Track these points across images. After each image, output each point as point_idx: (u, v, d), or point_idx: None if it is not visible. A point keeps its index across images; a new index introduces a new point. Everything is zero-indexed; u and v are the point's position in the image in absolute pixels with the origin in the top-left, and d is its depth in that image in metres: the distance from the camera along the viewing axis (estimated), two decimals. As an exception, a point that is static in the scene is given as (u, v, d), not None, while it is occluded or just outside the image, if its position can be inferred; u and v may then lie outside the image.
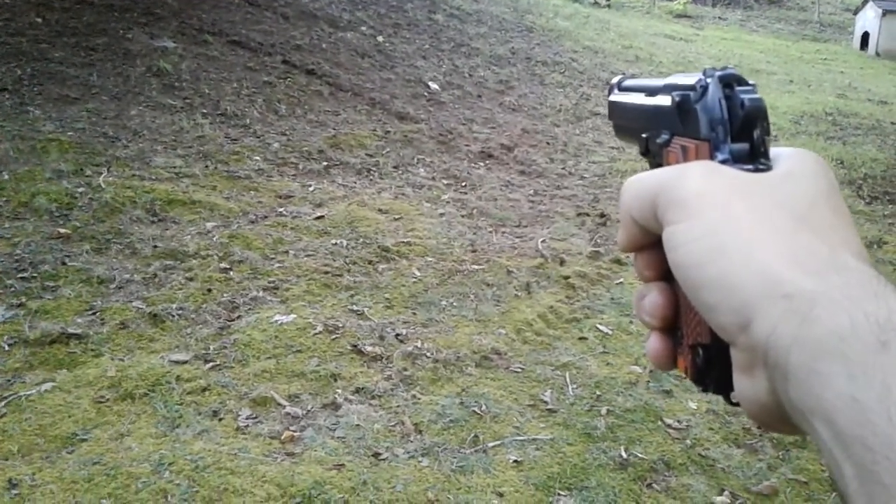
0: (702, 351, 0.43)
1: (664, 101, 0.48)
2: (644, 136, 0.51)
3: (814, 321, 0.33)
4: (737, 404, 0.40)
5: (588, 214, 5.59)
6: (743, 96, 0.44)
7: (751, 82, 0.45)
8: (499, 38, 11.63)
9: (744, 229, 0.38)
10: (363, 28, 10.08)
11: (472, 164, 6.62)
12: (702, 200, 0.40)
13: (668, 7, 21.62)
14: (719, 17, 22.22)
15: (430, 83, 8.83)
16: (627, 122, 0.57)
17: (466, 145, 7.08)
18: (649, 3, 21.85)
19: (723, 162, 0.43)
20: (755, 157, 0.43)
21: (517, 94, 9.34)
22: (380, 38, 9.89)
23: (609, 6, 20.36)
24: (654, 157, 0.50)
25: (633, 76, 0.59)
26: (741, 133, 0.44)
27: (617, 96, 0.59)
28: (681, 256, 0.40)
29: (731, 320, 0.37)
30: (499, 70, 10.15)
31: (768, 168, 0.43)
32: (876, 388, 0.31)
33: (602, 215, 5.56)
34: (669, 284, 0.46)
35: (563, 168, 6.88)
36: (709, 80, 0.45)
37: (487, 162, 6.76)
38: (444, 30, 11.29)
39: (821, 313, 0.33)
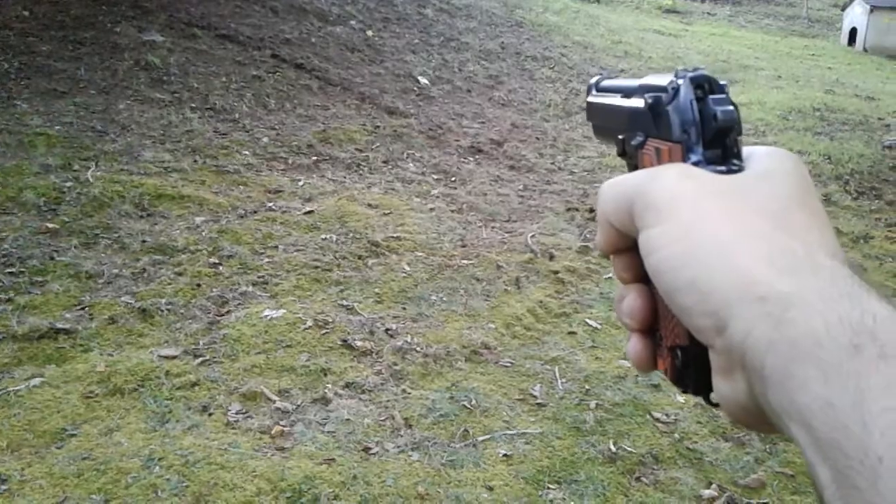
0: (680, 353, 0.43)
1: (638, 102, 0.48)
2: (620, 137, 0.51)
3: (788, 323, 0.33)
4: (716, 405, 0.41)
5: (577, 209, 5.61)
6: (716, 108, 0.43)
7: (722, 82, 0.45)
8: (488, 33, 11.62)
9: (717, 231, 0.38)
10: (352, 22, 10.05)
11: (462, 159, 6.62)
12: (675, 204, 0.40)
13: (657, 2, 21.65)
14: (708, 13, 22.28)
15: (419, 78, 8.83)
16: (605, 123, 0.57)
17: (456, 140, 7.08)
18: (638, -1, 21.88)
19: (696, 164, 0.43)
20: (728, 158, 0.43)
21: (507, 89, 9.34)
22: (369, 33, 9.86)
23: (599, 1, 20.37)
24: (631, 158, 0.50)
25: (610, 76, 0.60)
26: (714, 137, 0.44)
27: (595, 97, 0.59)
28: (656, 261, 0.40)
29: (708, 323, 0.37)
30: (488, 65, 10.15)
31: (741, 169, 0.43)
32: (850, 393, 0.31)
33: (591, 210, 5.58)
34: (648, 286, 0.46)
35: (552, 163, 6.90)
36: (680, 82, 0.45)
37: (477, 157, 6.76)
38: (434, 24, 11.28)
39: (795, 315, 0.33)
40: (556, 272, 4.41)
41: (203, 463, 2.53)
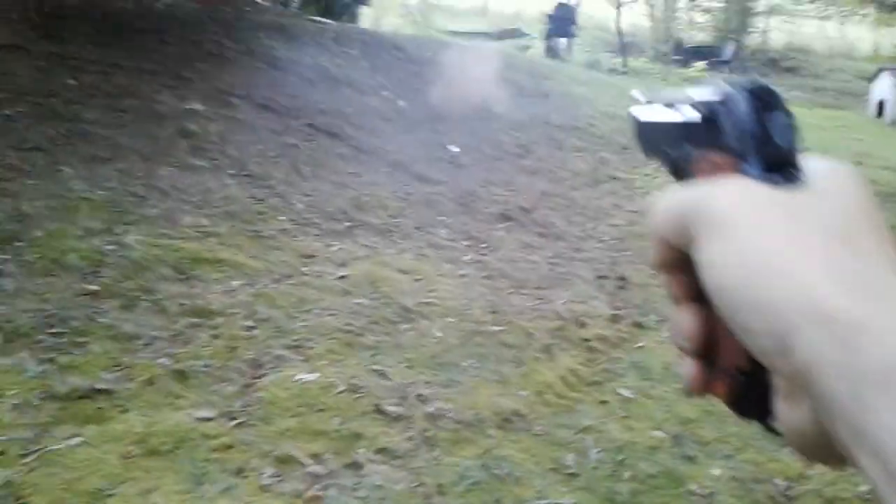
0: (740, 376, 0.42)
1: (691, 114, 0.47)
2: (671, 152, 0.50)
3: (859, 349, 0.32)
4: (778, 432, 0.39)
5: (607, 277, 5.63)
6: (777, 125, 0.42)
7: (777, 92, 0.43)
8: (517, 104, 11.83)
9: (782, 249, 0.36)
10: (385, 93, 10.30)
11: (492, 226, 6.69)
12: (735, 219, 0.38)
13: (683, 74, 21.94)
14: (734, 84, 22.51)
15: (449, 146, 8.99)
16: (653, 138, 0.55)
17: (486, 207, 7.17)
18: (665, 70, 22.19)
19: (754, 177, 0.41)
20: (788, 172, 0.42)
21: (535, 158, 9.47)
22: (401, 103, 10.10)
23: (626, 73, 20.70)
24: (683, 173, 0.49)
25: (655, 92, 0.58)
26: (772, 148, 0.42)
27: (641, 113, 0.58)
28: (716, 278, 0.38)
29: (772, 345, 0.35)
30: (517, 134, 10.31)
31: (802, 184, 0.41)
32: None
33: (621, 278, 5.60)
34: (703, 306, 0.44)
35: (581, 231, 6.94)
36: (737, 93, 0.43)
37: (507, 224, 6.83)
38: (464, 95, 11.51)
39: (866, 341, 0.32)
40: (587, 340, 4.42)
41: (237, 526, 2.54)
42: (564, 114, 12.16)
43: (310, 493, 2.79)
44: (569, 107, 12.74)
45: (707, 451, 3.35)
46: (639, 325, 4.73)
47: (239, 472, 2.86)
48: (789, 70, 25.79)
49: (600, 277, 5.63)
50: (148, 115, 7.09)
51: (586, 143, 10.75)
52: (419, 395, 3.59)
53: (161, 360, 3.54)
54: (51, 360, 3.40)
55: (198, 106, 7.59)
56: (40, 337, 3.55)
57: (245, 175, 6.46)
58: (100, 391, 3.22)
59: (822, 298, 0.34)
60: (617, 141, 11.00)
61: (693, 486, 3.11)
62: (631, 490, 3.04)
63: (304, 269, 4.94)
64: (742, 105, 0.43)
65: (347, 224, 6.01)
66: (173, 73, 8.38)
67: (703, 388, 0.46)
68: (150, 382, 3.36)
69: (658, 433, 3.48)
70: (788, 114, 0.43)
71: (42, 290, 3.95)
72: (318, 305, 4.41)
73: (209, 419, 3.15)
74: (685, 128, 0.48)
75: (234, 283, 4.51)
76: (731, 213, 0.39)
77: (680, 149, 0.48)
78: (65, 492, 2.62)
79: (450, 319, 4.51)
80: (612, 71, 20.40)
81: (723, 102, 0.44)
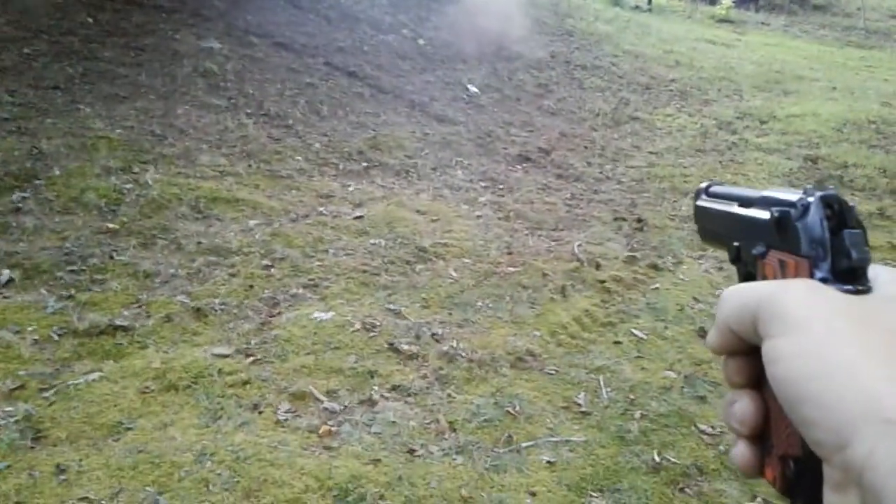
0: (793, 463, 0.43)
1: (761, 213, 0.50)
2: (736, 244, 0.53)
3: None
4: None
5: (625, 219, 5.59)
6: (850, 243, 0.44)
7: (851, 204, 0.46)
8: (538, 42, 11.63)
9: (848, 349, 0.38)
10: (404, 31, 10.16)
11: (510, 167, 6.65)
12: (806, 317, 0.40)
13: (710, 12, 21.40)
14: (762, 23, 21.94)
15: (469, 86, 8.88)
16: (716, 228, 0.59)
17: (504, 148, 7.11)
18: (691, 8, 21.65)
19: (822, 280, 0.44)
20: (855, 279, 0.44)
21: (556, 98, 9.34)
22: (420, 42, 9.96)
23: (650, 10, 20.22)
24: (746, 265, 0.52)
25: (720, 183, 0.61)
26: (844, 259, 0.44)
27: (705, 202, 0.61)
28: (782, 370, 0.40)
29: (829, 438, 0.37)
30: (538, 74, 10.16)
31: (869, 290, 0.43)
32: None
33: (639, 220, 5.56)
34: (759, 392, 0.46)
35: (600, 172, 6.88)
36: (810, 199, 0.46)
37: (525, 165, 6.78)
38: (485, 33, 11.33)
39: None
40: (603, 281, 4.41)
41: (253, 459, 2.60)
42: (586, 52, 11.96)
43: (325, 429, 2.84)
44: (591, 45, 12.51)
45: (718, 391, 3.36)
46: (655, 267, 4.71)
47: (255, 407, 2.91)
48: (819, 8, 25.05)
49: (618, 219, 5.60)
50: (166, 53, 7.05)
51: (608, 82, 10.58)
52: (434, 335, 3.62)
53: (179, 298, 3.58)
54: (70, 297, 3.45)
55: (216, 44, 7.53)
56: (59, 274, 3.60)
57: (262, 114, 6.43)
58: (118, 327, 3.28)
59: (882, 400, 0.35)
60: (639, 81, 10.82)
61: (703, 426, 3.13)
62: (642, 429, 3.07)
63: (320, 208, 4.95)
64: (815, 212, 0.45)
65: (364, 164, 6.00)
66: (191, 11, 8.30)
67: (754, 471, 0.48)
68: (167, 319, 3.41)
69: (670, 373, 3.50)
70: (860, 226, 0.45)
71: (61, 228, 4.00)
72: (334, 245, 4.43)
73: (226, 356, 3.20)
74: (751, 223, 0.51)
75: (252, 222, 4.54)
76: (802, 312, 0.41)
77: (747, 243, 0.52)
78: (84, 425, 2.69)
79: (466, 260, 4.52)
80: (637, 8, 19.92)
81: (795, 206, 0.46)
